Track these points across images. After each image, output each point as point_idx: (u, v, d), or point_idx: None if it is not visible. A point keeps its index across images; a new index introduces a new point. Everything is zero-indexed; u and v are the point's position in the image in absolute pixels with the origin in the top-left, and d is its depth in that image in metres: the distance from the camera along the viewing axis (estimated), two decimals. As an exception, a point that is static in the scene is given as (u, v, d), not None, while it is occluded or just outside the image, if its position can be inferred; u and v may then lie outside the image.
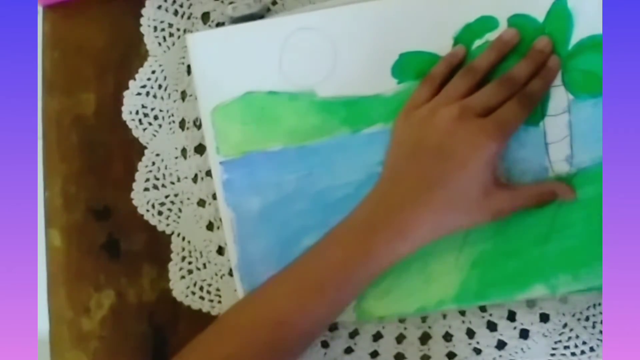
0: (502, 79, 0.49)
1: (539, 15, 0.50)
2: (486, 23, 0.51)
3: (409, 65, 0.51)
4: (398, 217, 0.46)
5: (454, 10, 0.50)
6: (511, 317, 0.51)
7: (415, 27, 0.51)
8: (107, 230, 0.56)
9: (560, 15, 0.50)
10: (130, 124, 0.56)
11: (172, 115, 0.56)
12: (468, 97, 0.48)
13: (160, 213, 0.55)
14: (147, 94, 0.57)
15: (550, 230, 0.49)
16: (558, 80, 0.50)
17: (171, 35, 0.57)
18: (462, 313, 0.51)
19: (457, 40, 0.51)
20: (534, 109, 0.49)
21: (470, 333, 0.51)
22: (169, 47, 0.57)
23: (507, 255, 0.50)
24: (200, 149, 0.56)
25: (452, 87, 0.49)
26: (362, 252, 0.46)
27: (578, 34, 0.50)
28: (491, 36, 0.50)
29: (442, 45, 0.51)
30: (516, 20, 0.50)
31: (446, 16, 0.51)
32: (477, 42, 0.51)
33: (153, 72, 0.57)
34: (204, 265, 0.54)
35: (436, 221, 0.47)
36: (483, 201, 0.47)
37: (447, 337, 0.51)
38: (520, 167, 0.50)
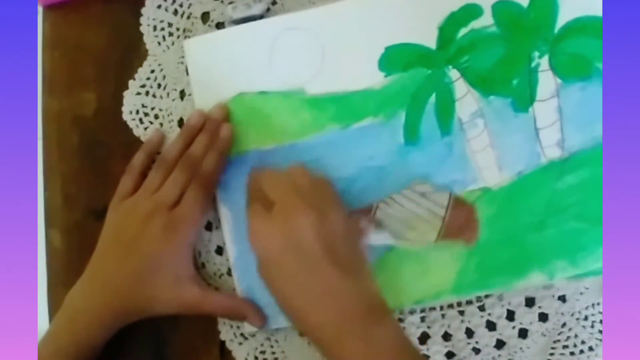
0: (182, 161, 0.52)
1: (523, 0, 0.50)
2: (471, 11, 0.51)
3: (395, 57, 0.51)
4: (98, 302, 0.50)
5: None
6: (510, 316, 0.50)
7: (399, 19, 0.51)
8: (107, 230, 0.56)
9: None
10: (131, 124, 0.57)
11: (171, 114, 0.56)
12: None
13: (159, 213, 0.55)
14: (147, 93, 0.57)
15: (546, 216, 0.49)
16: (545, 65, 0.50)
17: (170, 34, 0.57)
18: (461, 313, 0.51)
19: (442, 30, 0.51)
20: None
21: (470, 333, 0.51)
22: (168, 47, 0.57)
23: (503, 243, 0.49)
24: (199, 149, 0.56)
25: (149, 181, 0.52)
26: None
27: (563, 17, 0.49)
28: (476, 24, 0.50)
29: (427, 35, 0.51)
30: (500, 7, 0.50)
31: (430, 6, 0.51)
32: (463, 31, 0.51)
33: (152, 71, 0.57)
34: (203, 265, 0.54)
35: (124, 307, 0.50)
36: (173, 290, 0.50)
37: (447, 336, 0.51)
38: (512, 154, 0.50)
